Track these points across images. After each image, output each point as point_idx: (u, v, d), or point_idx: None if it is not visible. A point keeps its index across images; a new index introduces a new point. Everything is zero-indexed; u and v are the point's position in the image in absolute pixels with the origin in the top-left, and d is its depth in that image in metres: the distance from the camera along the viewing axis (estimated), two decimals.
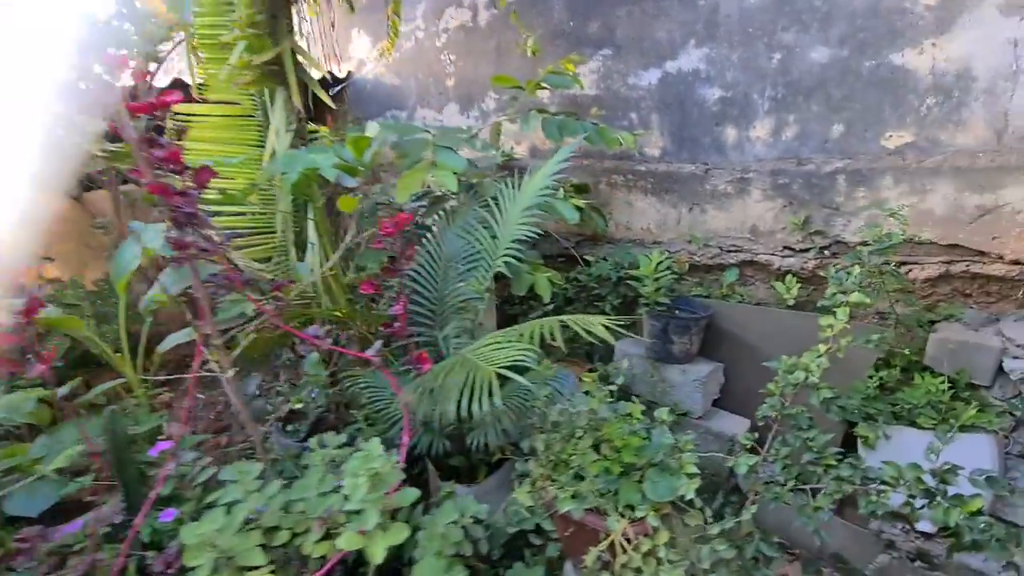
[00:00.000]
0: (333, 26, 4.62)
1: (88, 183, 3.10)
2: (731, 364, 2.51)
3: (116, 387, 2.13)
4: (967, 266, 2.13)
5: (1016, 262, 2.03)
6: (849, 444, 2.10)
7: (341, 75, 4.22)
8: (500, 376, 1.40)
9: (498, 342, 1.45)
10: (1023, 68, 1.89)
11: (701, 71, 2.60)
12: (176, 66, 3.73)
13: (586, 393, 1.66)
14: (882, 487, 1.39)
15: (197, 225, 1.36)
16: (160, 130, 1.39)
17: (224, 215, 2.33)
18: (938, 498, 1.31)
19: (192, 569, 1.25)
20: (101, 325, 2.64)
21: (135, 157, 1.34)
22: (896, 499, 1.40)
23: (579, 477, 1.58)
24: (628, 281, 2.56)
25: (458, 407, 1.30)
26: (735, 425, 2.38)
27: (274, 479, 1.62)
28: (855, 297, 1.65)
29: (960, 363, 1.99)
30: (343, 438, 1.64)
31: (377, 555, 1.22)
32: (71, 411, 1.96)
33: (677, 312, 2.49)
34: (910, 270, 2.24)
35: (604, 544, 1.44)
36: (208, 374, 1.67)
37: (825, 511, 1.45)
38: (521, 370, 1.39)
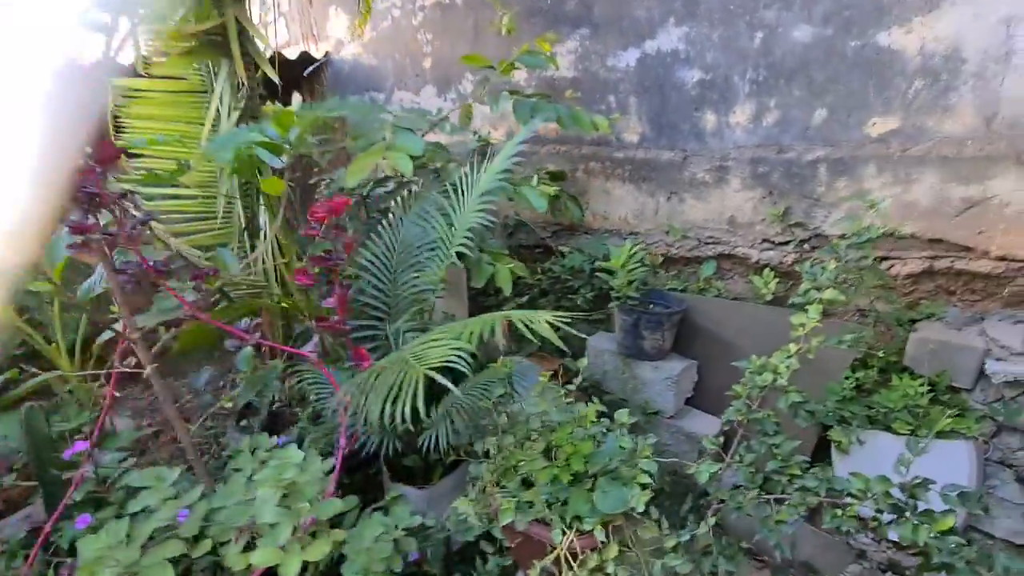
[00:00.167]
0: (311, 2, 4.42)
1: None
2: (705, 361, 2.40)
3: (49, 380, 2.00)
4: (951, 262, 2.02)
5: (1002, 258, 1.92)
6: (824, 447, 2.01)
7: (319, 55, 4.04)
8: (453, 372, 1.28)
9: (436, 339, 1.33)
10: (1015, 50, 1.76)
11: (680, 51, 2.46)
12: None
13: (539, 394, 1.54)
14: (848, 500, 1.28)
15: (102, 206, 1.23)
16: None
17: (180, 199, 2.18)
18: (907, 513, 1.21)
19: None
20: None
21: None
22: (865, 511, 1.30)
23: (528, 484, 1.47)
24: (599, 273, 2.44)
25: (381, 411, 1.18)
26: (708, 425, 2.28)
27: (201, 483, 1.51)
28: (829, 294, 1.55)
29: (941, 364, 1.89)
30: (275, 440, 1.53)
31: (290, 573, 1.10)
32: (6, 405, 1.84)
33: (650, 306, 2.38)
34: (892, 265, 2.13)
35: (549, 558, 1.33)
36: (132, 371, 1.55)
37: (788, 524, 1.35)
38: (458, 373, 1.27)
